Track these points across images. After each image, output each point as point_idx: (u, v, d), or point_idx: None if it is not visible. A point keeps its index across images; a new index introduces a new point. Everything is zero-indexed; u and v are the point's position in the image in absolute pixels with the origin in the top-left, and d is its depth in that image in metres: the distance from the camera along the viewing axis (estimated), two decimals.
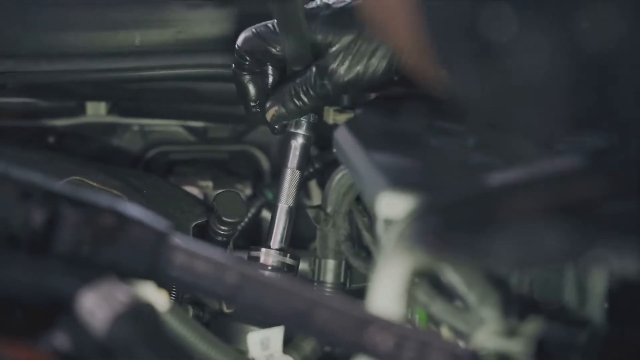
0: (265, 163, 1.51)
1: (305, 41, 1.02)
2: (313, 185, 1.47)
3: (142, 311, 0.64)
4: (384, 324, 0.63)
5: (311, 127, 1.12)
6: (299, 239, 1.31)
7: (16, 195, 0.67)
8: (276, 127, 1.12)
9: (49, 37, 1.21)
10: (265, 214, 1.43)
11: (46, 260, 0.66)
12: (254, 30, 1.08)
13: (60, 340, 0.62)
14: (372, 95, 1.15)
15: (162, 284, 0.69)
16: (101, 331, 0.61)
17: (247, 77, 1.10)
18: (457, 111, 0.79)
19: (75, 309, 0.63)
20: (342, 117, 1.37)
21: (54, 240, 0.66)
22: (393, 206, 0.74)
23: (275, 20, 1.05)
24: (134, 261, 0.67)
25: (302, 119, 1.11)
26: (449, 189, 0.73)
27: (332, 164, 1.39)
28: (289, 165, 1.13)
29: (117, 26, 1.21)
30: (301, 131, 1.12)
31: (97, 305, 0.62)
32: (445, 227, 0.70)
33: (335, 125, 1.39)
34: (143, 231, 0.67)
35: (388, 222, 0.89)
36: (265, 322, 1.00)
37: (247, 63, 1.08)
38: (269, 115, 1.08)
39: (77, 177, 1.05)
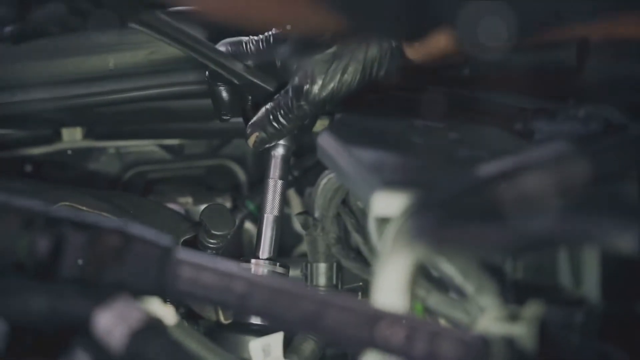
0: (242, 175, 1.53)
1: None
2: (292, 193, 1.49)
3: (157, 326, 0.65)
4: (393, 319, 0.64)
5: (291, 137, 1.14)
6: (281, 247, 1.33)
7: (19, 223, 0.68)
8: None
9: (22, 67, 1.21)
10: (248, 226, 1.44)
11: (56, 285, 0.67)
12: (228, 46, 1.09)
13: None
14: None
15: (170, 298, 0.70)
16: (120, 348, 0.62)
17: (221, 87, 1.12)
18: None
19: (91, 330, 0.64)
20: (317, 124, 1.39)
21: (60, 264, 0.67)
22: (388, 205, 0.76)
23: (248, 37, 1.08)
24: (142, 278, 0.68)
25: None
26: (442, 184, 0.75)
27: (309, 171, 1.42)
28: (272, 175, 1.15)
29: (91, 51, 1.22)
30: (281, 142, 1.13)
31: (113, 324, 0.64)
32: (442, 220, 0.71)
33: (311, 133, 1.41)
34: (148, 248, 0.69)
35: (380, 221, 0.91)
36: (275, 328, 1.01)
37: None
38: (250, 142, 1.10)
39: (67, 203, 1.05)
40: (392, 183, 0.78)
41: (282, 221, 1.15)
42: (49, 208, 0.69)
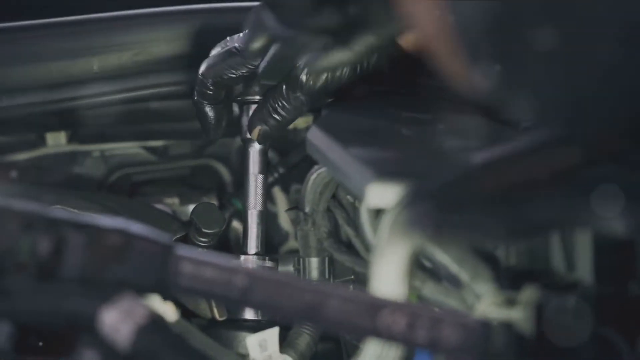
0: (226, 174, 1.53)
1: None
2: (277, 191, 1.49)
3: (162, 322, 0.66)
4: (395, 307, 0.66)
5: None
6: (269, 245, 1.34)
7: (20, 226, 0.69)
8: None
9: (5, 72, 1.22)
10: (235, 224, 1.45)
11: (59, 285, 0.68)
12: (216, 57, 1.10)
13: (89, 357, 0.64)
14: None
15: (172, 294, 0.71)
16: (127, 344, 0.63)
17: (209, 107, 1.13)
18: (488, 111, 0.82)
19: (97, 327, 0.65)
20: (301, 121, 1.40)
21: (62, 265, 0.68)
22: (383, 196, 0.77)
23: (236, 44, 1.08)
24: (144, 275, 0.69)
25: None
26: (435, 173, 0.76)
27: (294, 169, 1.42)
28: (251, 171, 1.16)
29: (75, 54, 1.22)
30: None
31: (119, 321, 0.64)
32: (437, 209, 0.73)
33: (295, 130, 1.42)
34: (148, 246, 0.69)
35: (372, 213, 0.92)
36: (277, 320, 1.02)
37: (209, 92, 1.11)
38: (254, 136, 1.11)
39: (58, 206, 1.06)
40: (385, 174, 0.79)
41: (267, 215, 1.16)
42: (49, 209, 0.70)
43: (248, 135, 1.15)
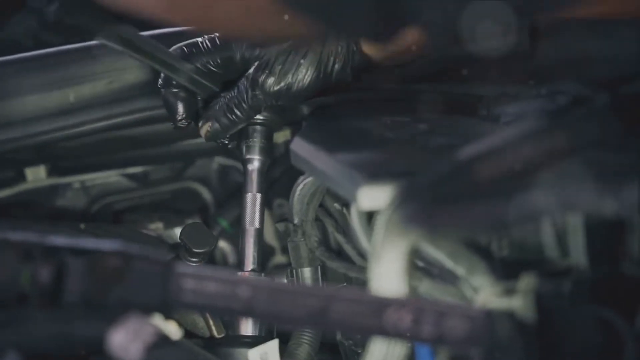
0: (207, 195, 1.54)
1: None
2: None
3: (169, 339, 0.66)
4: (399, 304, 0.66)
5: (264, 150, 1.16)
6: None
7: (19, 256, 0.69)
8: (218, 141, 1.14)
9: None
10: (221, 243, 1.46)
11: (63, 311, 0.68)
12: (183, 47, 1.11)
13: None
14: (307, 109, 1.19)
15: (176, 311, 0.71)
16: None
17: (175, 92, 1.12)
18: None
19: (106, 349, 0.65)
20: (279, 136, 1.40)
21: (64, 291, 0.68)
22: (374, 198, 0.78)
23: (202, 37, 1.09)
24: (147, 295, 0.69)
25: (254, 143, 1.15)
26: (423, 170, 0.77)
27: (274, 183, 1.43)
28: (249, 190, 1.17)
29: (50, 87, 1.22)
30: (255, 156, 1.15)
31: (128, 341, 0.65)
32: (430, 204, 0.74)
33: (273, 145, 1.43)
34: (148, 265, 0.70)
35: (363, 217, 0.93)
36: (283, 327, 1.03)
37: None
38: (202, 132, 1.11)
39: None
40: (375, 176, 0.80)
41: (263, 233, 1.17)
42: (46, 238, 0.70)
43: (248, 156, 1.16)
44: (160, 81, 1.14)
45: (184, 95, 1.13)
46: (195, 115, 1.15)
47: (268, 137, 1.17)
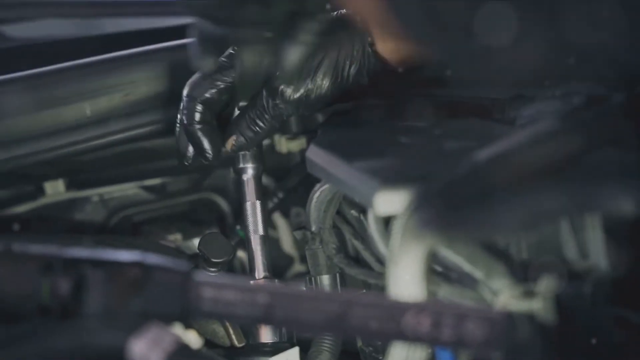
0: (225, 206, 1.54)
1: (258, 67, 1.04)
2: (277, 216, 1.50)
3: (190, 348, 0.67)
4: (418, 308, 0.66)
5: (256, 157, 1.16)
6: (274, 270, 1.34)
7: (38, 269, 0.70)
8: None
9: (0, 125, 1.22)
10: (240, 253, 1.46)
11: (84, 322, 0.68)
12: (200, 74, 1.10)
13: None
14: (323, 117, 1.19)
15: (196, 320, 0.71)
16: None
17: (199, 127, 1.10)
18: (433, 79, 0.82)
19: (127, 359, 0.66)
20: (294, 145, 1.41)
21: (84, 302, 0.69)
22: (391, 203, 0.79)
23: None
24: (166, 304, 0.69)
25: (245, 153, 1.15)
26: (439, 174, 0.77)
27: (292, 192, 1.44)
28: (247, 199, 1.17)
29: (66, 102, 1.22)
30: (248, 164, 1.16)
31: (149, 350, 0.65)
32: (447, 208, 0.74)
33: (289, 154, 1.44)
34: (167, 275, 0.70)
35: (381, 223, 0.93)
36: (302, 333, 1.03)
37: (198, 112, 1.09)
38: (228, 146, 1.11)
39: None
40: (391, 181, 0.80)
41: (270, 242, 1.17)
42: (66, 250, 0.71)
43: (241, 165, 1.16)
44: (183, 117, 1.11)
45: (208, 130, 1.10)
46: (218, 152, 1.12)
47: (258, 144, 1.16)
